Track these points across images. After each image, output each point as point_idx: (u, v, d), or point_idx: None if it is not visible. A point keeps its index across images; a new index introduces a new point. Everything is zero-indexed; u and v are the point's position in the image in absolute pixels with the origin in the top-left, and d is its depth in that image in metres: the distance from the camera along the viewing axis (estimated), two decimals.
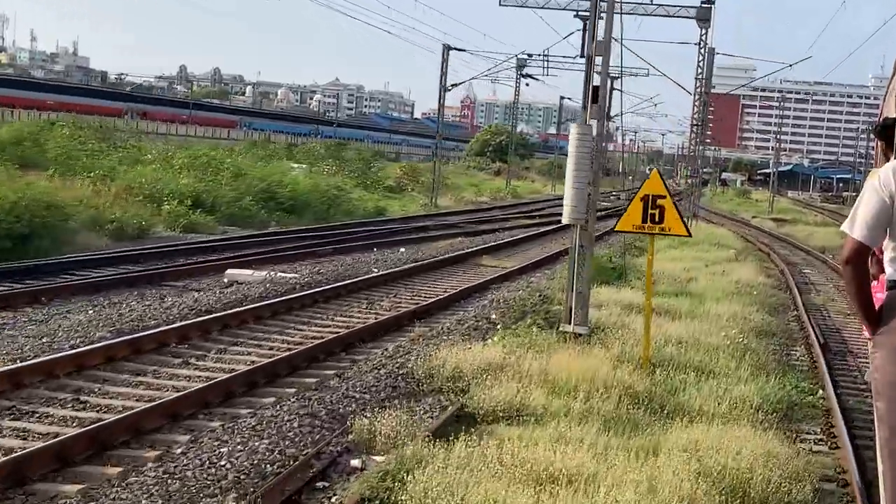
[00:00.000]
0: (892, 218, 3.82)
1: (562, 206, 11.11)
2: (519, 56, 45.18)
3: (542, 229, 29.47)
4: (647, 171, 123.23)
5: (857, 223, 3.83)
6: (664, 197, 9.76)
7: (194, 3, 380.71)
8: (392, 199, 38.96)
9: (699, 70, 32.85)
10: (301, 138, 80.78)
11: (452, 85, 38.96)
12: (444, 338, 10.65)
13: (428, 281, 16.87)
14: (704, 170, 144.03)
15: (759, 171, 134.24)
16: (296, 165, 33.48)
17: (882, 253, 4.01)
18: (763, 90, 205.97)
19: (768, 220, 48.51)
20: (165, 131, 72.92)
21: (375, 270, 16.56)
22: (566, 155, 11.27)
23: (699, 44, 32.54)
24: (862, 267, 3.91)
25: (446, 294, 14.79)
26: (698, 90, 33.02)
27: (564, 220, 11.00)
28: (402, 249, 21.09)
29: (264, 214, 24.55)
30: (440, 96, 38.65)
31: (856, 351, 13.25)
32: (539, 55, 41.80)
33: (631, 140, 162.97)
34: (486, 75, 42.62)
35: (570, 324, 11.13)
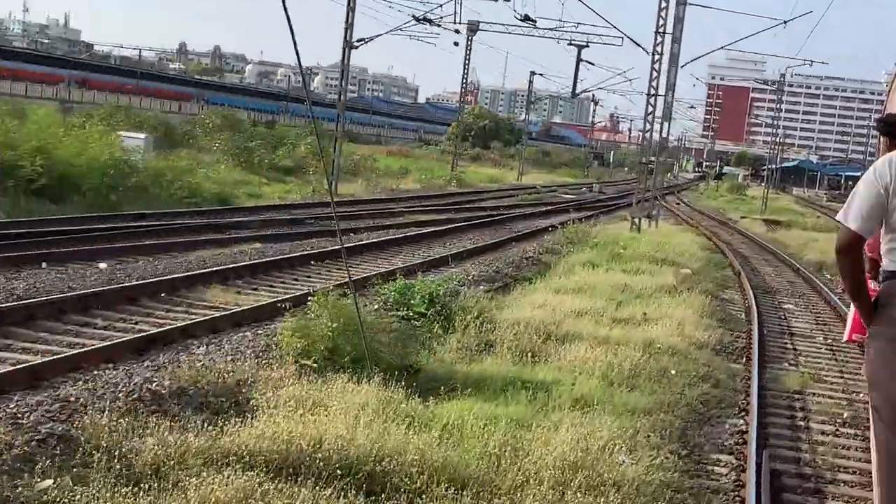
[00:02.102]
0: (886, 209, 3.82)
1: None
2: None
3: (421, 230, 22.20)
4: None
5: (851, 213, 3.83)
6: None
7: None
8: (279, 184, 30.86)
9: (660, 21, 24.35)
10: (267, 116, 72.58)
11: (359, 40, 30.90)
12: None
13: None
14: (707, 163, 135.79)
15: (763, 166, 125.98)
16: (126, 135, 25.17)
17: (877, 252, 4.02)
18: (774, 83, 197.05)
19: (760, 222, 40.11)
20: (104, 101, 65.39)
21: None
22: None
23: None
24: (856, 257, 3.89)
25: None
26: (658, 47, 24.52)
27: None
28: (103, 265, 12.82)
29: None
30: (344, 54, 30.36)
31: None
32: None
33: (629, 129, 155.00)
34: (401, 30, 34.48)
35: None
